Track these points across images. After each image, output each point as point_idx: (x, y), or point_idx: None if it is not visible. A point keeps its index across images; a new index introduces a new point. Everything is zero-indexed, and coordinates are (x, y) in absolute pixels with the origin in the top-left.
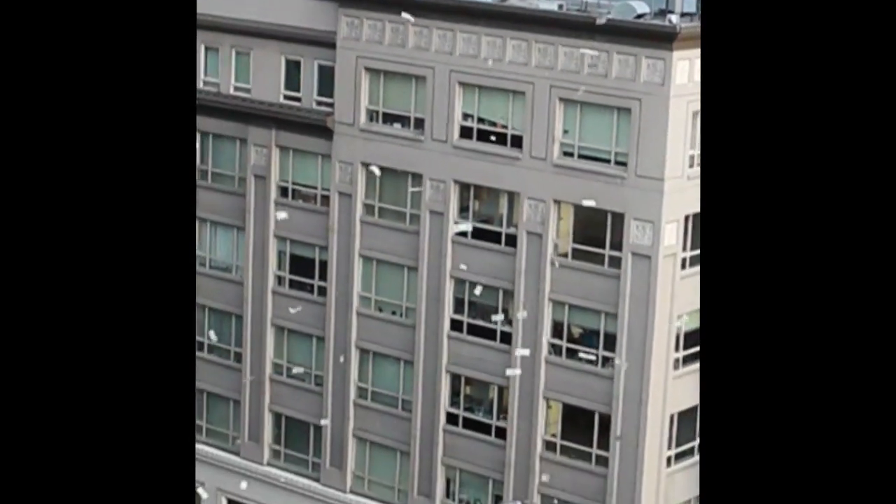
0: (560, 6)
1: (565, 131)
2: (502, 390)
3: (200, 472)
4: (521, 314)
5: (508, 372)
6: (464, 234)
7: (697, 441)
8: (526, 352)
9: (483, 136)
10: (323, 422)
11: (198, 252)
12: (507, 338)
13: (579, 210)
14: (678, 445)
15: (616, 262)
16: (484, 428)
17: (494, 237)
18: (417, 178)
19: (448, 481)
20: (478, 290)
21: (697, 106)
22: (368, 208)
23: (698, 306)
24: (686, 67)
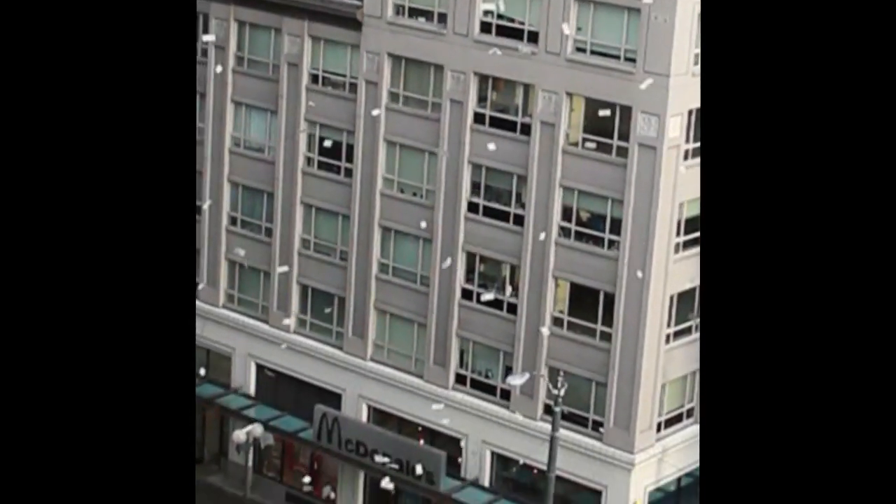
0: None
1: (579, 28)
2: (514, 269)
3: (232, 339)
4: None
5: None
6: (487, 129)
7: (696, 320)
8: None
9: (502, 31)
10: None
11: (233, 133)
12: (519, 219)
13: (590, 102)
14: (677, 324)
15: (623, 152)
16: (496, 303)
17: (510, 126)
18: (439, 68)
19: (462, 352)
20: (444, 153)
21: None
22: (393, 96)
23: (699, 195)
24: None
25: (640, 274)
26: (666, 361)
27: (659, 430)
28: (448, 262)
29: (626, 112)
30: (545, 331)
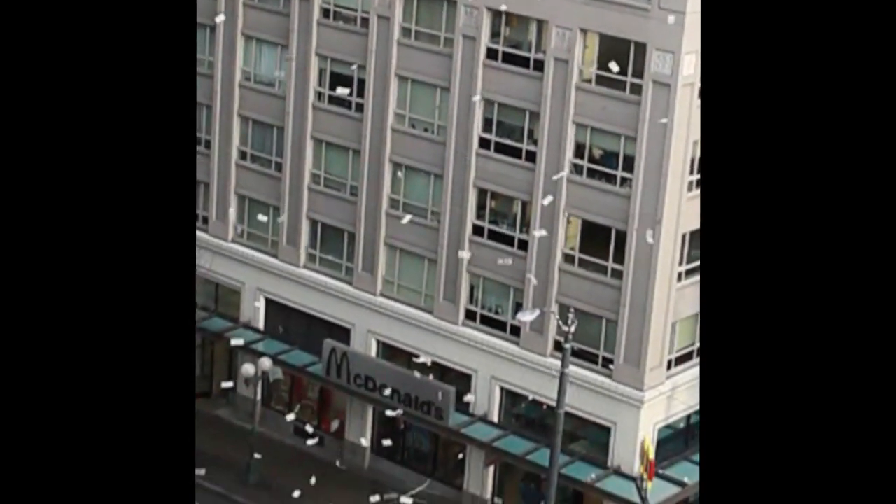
0: None
1: None
2: (525, 205)
3: (242, 273)
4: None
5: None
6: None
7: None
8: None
9: None
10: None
11: (243, 67)
12: (531, 156)
13: (604, 38)
14: (688, 262)
15: (637, 89)
16: (507, 240)
17: (523, 62)
18: (452, 3)
19: (472, 288)
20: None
21: None
22: (405, 31)
23: None
24: None
25: (648, 237)
26: (677, 299)
27: (669, 367)
28: (438, 226)
29: (641, 49)
30: (532, 279)
